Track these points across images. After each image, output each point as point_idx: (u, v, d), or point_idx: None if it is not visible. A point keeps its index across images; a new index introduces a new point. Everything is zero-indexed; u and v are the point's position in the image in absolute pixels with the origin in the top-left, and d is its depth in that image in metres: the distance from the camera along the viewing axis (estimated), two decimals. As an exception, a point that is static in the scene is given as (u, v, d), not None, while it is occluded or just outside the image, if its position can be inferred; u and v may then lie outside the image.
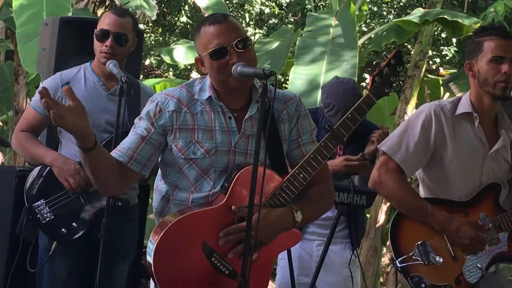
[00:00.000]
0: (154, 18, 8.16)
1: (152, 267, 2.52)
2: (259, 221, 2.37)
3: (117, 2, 7.35)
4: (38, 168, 3.80)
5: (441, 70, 11.40)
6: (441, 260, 3.18)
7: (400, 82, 8.53)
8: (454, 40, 11.53)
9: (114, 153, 2.57)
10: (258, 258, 2.50)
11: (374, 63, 10.29)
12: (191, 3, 10.87)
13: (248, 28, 11.91)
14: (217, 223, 2.55)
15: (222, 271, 2.48)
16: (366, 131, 4.26)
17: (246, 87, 2.61)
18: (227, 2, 9.89)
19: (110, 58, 3.72)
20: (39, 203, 3.76)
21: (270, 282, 11.08)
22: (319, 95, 6.14)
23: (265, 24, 12.40)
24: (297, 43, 7.37)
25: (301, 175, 2.57)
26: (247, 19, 12.03)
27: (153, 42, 12.15)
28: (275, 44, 8.35)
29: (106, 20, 3.80)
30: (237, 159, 2.61)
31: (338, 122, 2.71)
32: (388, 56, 2.85)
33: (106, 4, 11.28)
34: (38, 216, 3.75)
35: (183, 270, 2.57)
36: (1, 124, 9.75)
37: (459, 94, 7.58)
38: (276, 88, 2.59)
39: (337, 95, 4.25)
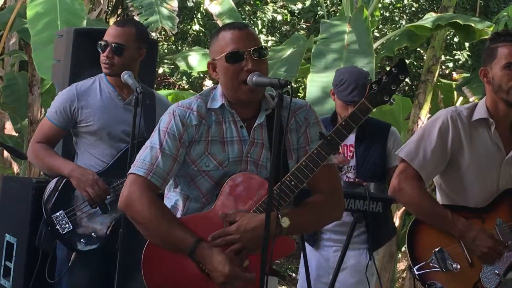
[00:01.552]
0: (175, 32, 8.08)
1: (142, 271, 2.56)
2: (243, 226, 2.45)
3: (136, 18, 7.31)
4: (56, 179, 3.80)
5: (454, 75, 11.38)
6: (459, 267, 3.18)
7: (414, 87, 8.53)
8: (467, 44, 11.50)
9: (150, 176, 2.54)
10: (250, 264, 2.52)
11: (387, 68, 10.39)
12: (204, 11, 10.89)
13: (261, 35, 11.88)
14: (206, 228, 2.56)
15: (209, 277, 2.50)
16: (377, 131, 4.30)
17: (257, 99, 2.62)
18: (239, 9, 9.97)
19: (109, 69, 3.75)
20: (58, 214, 3.77)
21: None
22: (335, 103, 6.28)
23: (278, 31, 12.35)
24: (312, 50, 7.37)
25: (293, 183, 2.56)
26: (260, 26, 12.01)
27: (165, 51, 12.16)
28: (288, 51, 8.26)
29: (108, 31, 3.83)
30: (249, 168, 2.62)
31: (332, 130, 2.70)
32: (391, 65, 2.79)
33: (118, 13, 11.32)
34: (57, 227, 3.75)
35: (172, 274, 2.59)
36: (16, 134, 9.72)
37: (472, 98, 7.83)
38: (292, 98, 2.53)
39: (350, 74, 4.31)
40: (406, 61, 11.97)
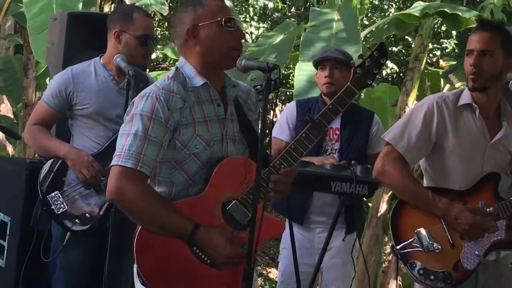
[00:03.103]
0: (165, 13, 8.12)
1: (135, 255, 2.53)
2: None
3: (128, 2, 7.47)
4: (51, 160, 3.80)
5: (441, 62, 11.51)
6: (440, 247, 3.20)
7: (401, 75, 8.66)
8: (454, 32, 11.57)
9: (139, 166, 2.45)
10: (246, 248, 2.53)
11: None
12: None
13: (252, 22, 11.95)
14: (200, 211, 2.55)
15: (204, 260, 2.50)
16: (362, 118, 4.35)
17: (233, 67, 2.61)
18: None
19: (145, 62, 3.89)
20: (53, 194, 3.76)
21: (274, 270, 11.00)
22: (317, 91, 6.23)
23: (269, 18, 12.40)
24: (301, 39, 7.40)
25: (282, 166, 2.58)
26: (251, 13, 12.04)
27: (159, 36, 12.25)
28: (278, 38, 8.27)
29: (143, 24, 3.80)
30: (229, 146, 2.61)
31: (319, 113, 2.71)
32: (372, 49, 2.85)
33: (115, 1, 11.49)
34: (52, 207, 3.75)
35: (165, 258, 2.57)
36: (11, 116, 9.74)
37: (458, 84, 7.94)
38: (278, 83, 2.51)
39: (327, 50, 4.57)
40: (395, 48, 12.30)
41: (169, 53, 9.25)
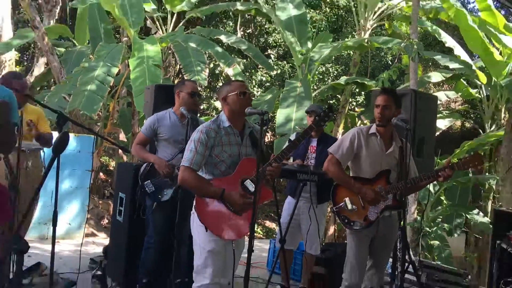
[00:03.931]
0: (205, 85, 10.02)
1: (196, 208, 3.25)
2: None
3: (186, 77, 9.14)
4: (145, 164, 4.64)
5: (356, 109, 13.85)
6: (356, 207, 3.95)
7: (335, 115, 10.62)
8: (362, 92, 13.92)
9: (192, 165, 3.22)
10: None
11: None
12: (225, 75, 12.88)
13: (254, 88, 14.59)
14: (226, 185, 3.24)
15: (230, 208, 3.24)
16: (328, 140, 5.14)
17: (245, 115, 3.34)
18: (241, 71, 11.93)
19: (197, 110, 4.67)
20: (147, 182, 4.60)
21: (268, 222, 12.86)
22: (292, 124, 8.05)
23: (263, 86, 14.98)
24: (280, 96, 9.12)
25: (274, 163, 3.32)
26: (254, 83, 14.79)
27: (204, 96, 14.55)
28: (268, 97, 10.34)
29: (191, 86, 4.65)
30: (242, 157, 3.33)
31: (295, 137, 3.62)
32: (326, 108, 3.54)
33: (180, 76, 13.57)
34: (146, 189, 4.58)
35: (211, 209, 3.25)
36: (125, 140, 11.33)
37: (366, 121, 10.19)
38: (268, 121, 3.24)
39: (311, 105, 5.48)
40: (330, 101, 14.17)
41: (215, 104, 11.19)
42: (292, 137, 5.26)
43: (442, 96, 11.57)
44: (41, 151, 4.83)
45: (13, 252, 1.99)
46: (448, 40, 10.98)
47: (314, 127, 3.50)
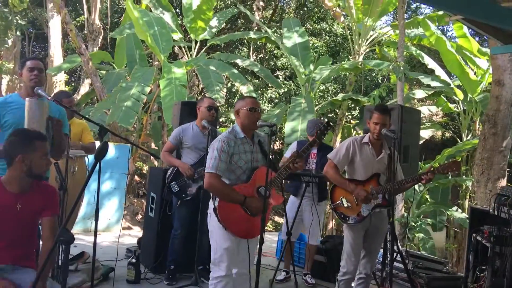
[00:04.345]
0: (223, 102, 10.15)
1: (217, 211, 3.16)
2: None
3: (207, 95, 9.13)
4: (172, 168, 4.75)
5: (352, 121, 13.74)
6: (350, 205, 3.95)
7: (334, 126, 10.61)
8: (357, 107, 13.80)
9: (217, 171, 3.11)
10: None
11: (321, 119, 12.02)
12: (240, 93, 12.91)
13: (265, 104, 14.65)
14: (245, 191, 3.19)
15: (247, 212, 3.18)
16: (326, 149, 5.13)
17: (256, 129, 3.33)
18: (255, 91, 12.26)
19: (213, 120, 4.66)
20: (172, 183, 4.71)
21: (276, 217, 12.46)
22: (298, 134, 8.06)
23: (273, 102, 14.96)
24: (287, 111, 9.22)
25: (284, 172, 3.32)
26: (265, 100, 14.81)
27: (222, 111, 14.57)
28: (277, 111, 10.42)
29: (209, 102, 4.72)
30: (254, 163, 3.28)
31: (301, 149, 3.40)
32: (325, 123, 3.53)
33: (202, 94, 13.69)
34: (172, 189, 4.70)
35: (231, 213, 3.17)
36: (156, 148, 11.32)
37: (360, 132, 10.24)
38: (276, 132, 3.42)
39: (311, 122, 5.39)
40: (330, 115, 14.26)
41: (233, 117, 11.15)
42: (293, 145, 5.30)
43: (425, 110, 11.58)
44: (86, 157, 4.88)
45: (61, 243, 2.01)
46: (430, 63, 11.03)
47: (317, 140, 3.47)
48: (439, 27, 13.50)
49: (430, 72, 11.69)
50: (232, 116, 12.33)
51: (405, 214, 7.82)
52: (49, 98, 3.41)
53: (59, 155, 3.50)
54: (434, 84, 10.43)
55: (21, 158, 2.68)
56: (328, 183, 4.81)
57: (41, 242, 2.90)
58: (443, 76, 10.85)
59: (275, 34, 12.67)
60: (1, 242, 2.71)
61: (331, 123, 3.56)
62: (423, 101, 15.15)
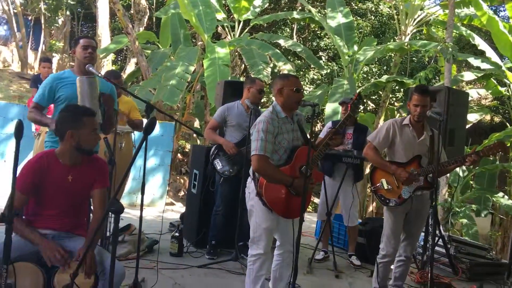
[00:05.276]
0: (268, 81, 9.64)
1: (263, 190, 3.12)
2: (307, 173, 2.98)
3: (252, 74, 9.15)
4: (215, 145, 4.78)
5: (395, 104, 13.55)
6: (391, 187, 3.89)
7: (376, 109, 10.60)
8: (401, 89, 13.46)
9: (264, 152, 3.05)
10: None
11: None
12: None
13: (307, 85, 14.59)
14: (290, 172, 3.17)
15: (291, 192, 3.16)
16: (362, 128, 5.22)
17: (297, 108, 3.26)
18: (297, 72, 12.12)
19: (259, 103, 4.69)
20: (216, 161, 4.75)
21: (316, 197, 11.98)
22: (339, 116, 7.75)
23: (314, 83, 14.84)
24: (329, 92, 9.20)
25: (323, 149, 3.28)
26: (307, 81, 14.71)
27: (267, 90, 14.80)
28: (318, 92, 10.35)
29: (259, 84, 4.72)
30: (294, 142, 3.24)
31: (338, 124, 3.41)
32: (355, 96, 3.52)
33: (244, 74, 13.71)
34: (215, 166, 4.73)
35: (276, 192, 3.15)
36: (199, 127, 11.51)
37: (403, 114, 10.03)
38: (318, 112, 3.90)
39: (342, 100, 5.41)
40: (373, 97, 14.10)
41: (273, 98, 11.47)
42: (329, 124, 5.27)
43: (473, 93, 11.16)
44: (132, 133, 5.02)
45: (111, 212, 2.11)
46: (481, 44, 10.59)
47: (352, 114, 3.43)
48: (491, 7, 13.03)
49: (480, 54, 11.31)
50: (273, 98, 12.32)
51: (449, 199, 7.67)
52: (100, 75, 3.56)
53: (109, 130, 3.64)
54: (484, 66, 10.03)
55: (70, 133, 2.79)
56: (362, 165, 4.83)
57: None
58: (494, 58, 10.37)
59: (319, 14, 12.46)
60: (54, 210, 2.82)
61: (362, 95, 3.49)
62: (471, 84, 14.65)
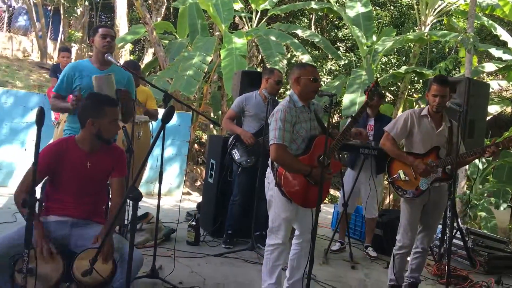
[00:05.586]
0: (284, 72, 9.60)
1: (282, 181, 3.11)
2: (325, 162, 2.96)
3: (268, 65, 9.15)
4: (233, 135, 4.80)
5: (414, 95, 13.33)
6: (409, 179, 3.82)
7: (395, 100, 10.44)
8: (421, 80, 13.22)
9: (283, 142, 3.04)
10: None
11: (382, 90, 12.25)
12: (298, 61, 12.85)
13: (324, 76, 14.41)
14: (308, 161, 3.14)
15: (310, 182, 3.15)
16: (383, 119, 5.14)
17: (314, 97, 3.26)
18: (315, 62, 12.07)
19: (277, 93, 4.66)
20: (233, 151, 4.79)
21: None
22: (357, 107, 7.80)
23: (332, 74, 14.65)
24: (347, 83, 9.08)
25: (341, 139, 3.26)
26: (324, 72, 14.52)
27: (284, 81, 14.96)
28: (336, 83, 10.28)
29: (277, 75, 4.67)
30: (312, 131, 3.22)
31: (356, 113, 3.36)
32: (373, 84, 3.46)
33: (261, 65, 13.67)
34: (232, 156, 4.77)
35: (294, 182, 3.14)
36: (215, 117, 11.48)
37: (422, 105, 9.45)
38: (336, 102, 3.83)
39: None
40: (391, 88, 13.82)
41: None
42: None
43: (494, 84, 10.95)
44: (150, 123, 5.05)
45: (130, 199, 2.14)
46: (503, 34, 10.39)
47: (369, 100, 3.40)
48: (515, -4, 12.64)
49: (502, 45, 11.07)
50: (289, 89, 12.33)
51: (467, 192, 7.58)
52: (118, 64, 3.59)
53: (127, 120, 3.70)
54: (506, 57, 9.86)
55: (91, 122, 2.85)
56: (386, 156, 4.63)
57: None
58: (516, 49, 10.20)
59: (337, 4, 12.35)
60: (71, 197, 2.87)
61: (379, 82, 3.43)
62: (492, 75, 14.38)
